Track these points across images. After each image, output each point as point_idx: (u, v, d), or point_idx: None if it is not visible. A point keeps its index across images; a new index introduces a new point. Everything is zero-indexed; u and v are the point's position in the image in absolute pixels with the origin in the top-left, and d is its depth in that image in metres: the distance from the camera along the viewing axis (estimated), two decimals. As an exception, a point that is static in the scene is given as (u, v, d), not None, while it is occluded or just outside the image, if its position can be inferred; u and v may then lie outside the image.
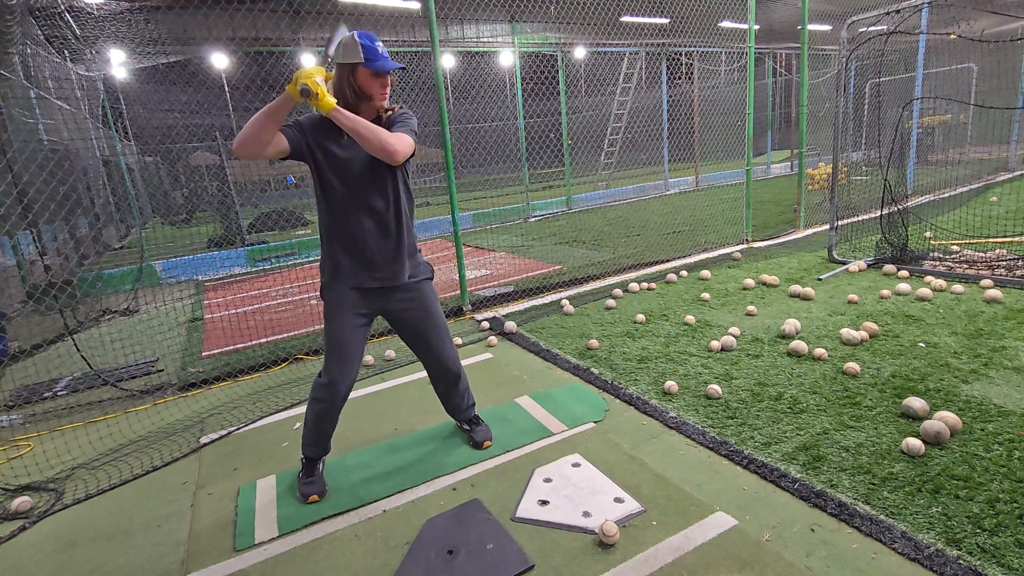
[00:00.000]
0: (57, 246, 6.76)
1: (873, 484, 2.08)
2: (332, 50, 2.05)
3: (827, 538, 1.87)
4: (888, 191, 4.88)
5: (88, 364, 3.79)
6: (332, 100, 1.95)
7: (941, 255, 4.96)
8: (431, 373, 2.61)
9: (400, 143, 2.05)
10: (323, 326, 2.34)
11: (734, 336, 3.56)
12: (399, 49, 11.93)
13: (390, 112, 2.22)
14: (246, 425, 3.09)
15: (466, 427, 2.72)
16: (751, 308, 4.06)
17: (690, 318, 3.99)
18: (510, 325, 4.18)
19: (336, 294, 2.29)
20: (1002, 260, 4.61)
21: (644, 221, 9.06)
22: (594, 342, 3.70)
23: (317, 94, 1.92)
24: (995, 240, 5.25)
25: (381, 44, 2.11)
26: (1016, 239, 5.17)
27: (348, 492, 2.36)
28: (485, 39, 12.50)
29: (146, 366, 4.17)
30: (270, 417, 3.17)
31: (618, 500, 2.15)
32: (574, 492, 2.23)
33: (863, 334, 3.38)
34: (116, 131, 9.18)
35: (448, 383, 2.61)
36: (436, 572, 1.87)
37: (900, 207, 4.97)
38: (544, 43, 11.75)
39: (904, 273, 4.68)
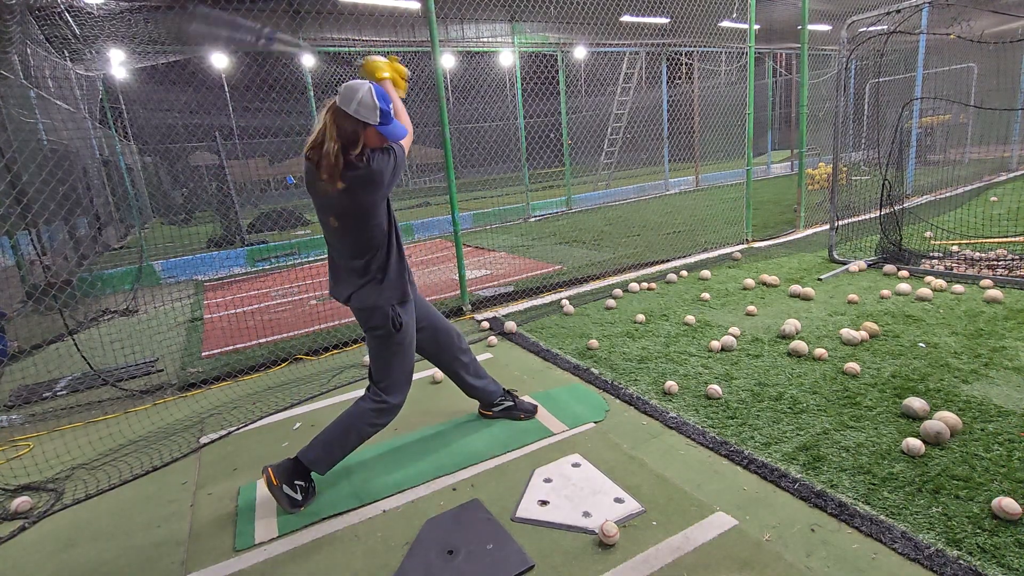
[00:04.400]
0: (56, 246, 6.76)
1: (873, 484, 2.08)
2: (352, 107, 2.08)
3: (827, 538, 1.87)
4: (886, 190, 4.88)
5: (88, 364, 3.79)
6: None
7: (941, 255, 4.96)
8: (444, 358, 2.70)
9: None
10: (392, 347, 2.33)
11: (734, 336, 3.56)
12: (399, 49, 11.92)
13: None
14: (246, 425, 3.09)
15: (508, 402, 2.83)
16: (751, 308, 4.06)
17: (690, 318, 3.99)
18: (510, 325, 4.18)
19: (409, 313, 2.37)
20: (1002, 260, 4.62)
21: (644, 221, 9.06)
22: (594, 342, 3.70)
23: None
24: (995, 240, 5.25)
25: (392, 106, 2.20)
26: (1016, 239, 5.17)
27: (348, 492, 2.36)
28: (485, 39, 12.50)
29: (146, 366, 4.17)
30: (270, 417, 3.17)
31: (618, 500, 2.15)
32: (574, 492, 2.23)
33: (863, 334, 3.38)
34: (116, 131, 9.18)
35: (463, 362, 2.71)
36: (436, 572, 1.87)
37: (897, 207, 4.97)
38: (544, 43, 11.75)
39: (904, 273, 4.68)
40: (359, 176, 2.09)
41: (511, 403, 2.85)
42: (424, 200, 15.19)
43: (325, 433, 2.33)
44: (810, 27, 6.33)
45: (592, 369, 3.36)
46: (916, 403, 2.49)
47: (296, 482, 2.26)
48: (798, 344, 3.28)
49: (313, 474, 2.34)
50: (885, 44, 4.99)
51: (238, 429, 3.06)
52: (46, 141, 6.28)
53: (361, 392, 3.38)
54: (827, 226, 5.86)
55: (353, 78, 2.23)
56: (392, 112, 2.16)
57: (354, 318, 2.45)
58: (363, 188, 2.11)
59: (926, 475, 2.10)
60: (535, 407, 2.88)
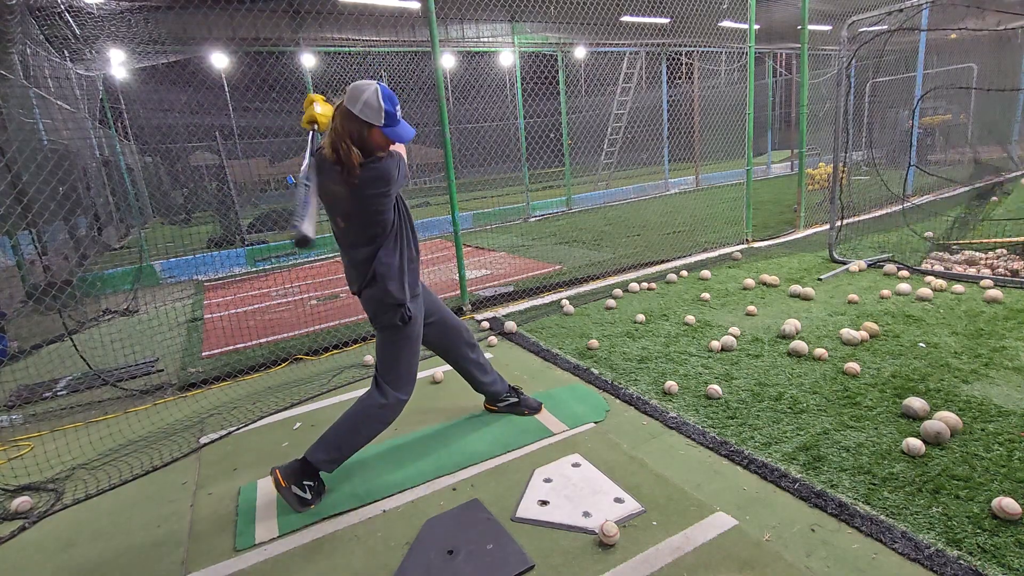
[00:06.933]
0: (56, 246, 6.76)
1: (873, 484, 2.08)
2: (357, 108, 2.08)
3: (827, 538, 1.87)
4: (901, 184, 4.84)
5: (88, 364, 3.79)
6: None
7: (941, 255, 4.95)
8: (452, 352, 2.71)
9: None
10: (400, 341, 2.34)
11: (734, 336, 3.56)
12: (399, 49, 11.92)
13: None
14: (246, 425, 3.09)
15: (512, 399, 2.86)
16: (751, 308, 4.06)
17: (690, 318, 3.99)
18: (510, 325, 4.18)
19: (418, 307, 2.38)
20: (1002, 260, 4.61)
21: (644, 221, 9.06)
22: (594, 342, 3.70)
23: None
24: (995, 240, 5.24)
25: (399, 108, 2.15)
26: (1016, 239, 5.17)
27: (348, 492, 2.36)
28: (485, 39, 12.49)
29: (146, 366, 4.17)
30: (270, 417, 3.17)
31: (618, 500, 2.15)
32: (574, 492, 2.23)
33: (863, 334, 3.38)
34: (116, 131, 9.18)
35: (470, 357, 2.73)
36: (436, 572, 1.87)
37: (905, 205, 4.95)
38: (544, 43, 11.74)
39: (904, 273, 4.68)
40: (368, 177, 2.09)
41: (516, 399, 2.89)
42: (424, 200, 15.18)
43: (332, 432, 2.33)
44: (810, 27, 6.32)
45: (592, 369, 3.36)
46: (916, 403, 2.49)
47: (305, 482, 2.26)
48: (798, 344, 3.28)
49: (321, 473, 2.34)
50: (885, 44, 4.98)
51: (238, 429, 3.06)
52: (46, 141, 6.27)
53: (362, 391, 3.38)
54: (827, 226, 5.86)
55: (360, 78, 2.23)
56: (397, 116, 2.13)
57: (355, 317, 2.45)
58: (372, 187, 2.11)
59: (926, 475, 2.10)
60: (539, 405, 2.91)
